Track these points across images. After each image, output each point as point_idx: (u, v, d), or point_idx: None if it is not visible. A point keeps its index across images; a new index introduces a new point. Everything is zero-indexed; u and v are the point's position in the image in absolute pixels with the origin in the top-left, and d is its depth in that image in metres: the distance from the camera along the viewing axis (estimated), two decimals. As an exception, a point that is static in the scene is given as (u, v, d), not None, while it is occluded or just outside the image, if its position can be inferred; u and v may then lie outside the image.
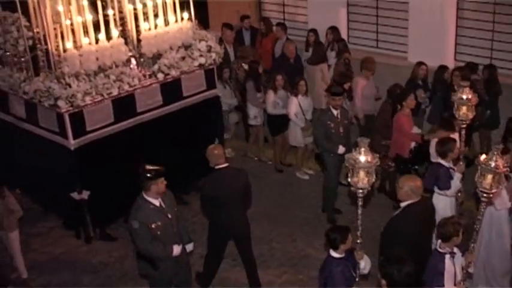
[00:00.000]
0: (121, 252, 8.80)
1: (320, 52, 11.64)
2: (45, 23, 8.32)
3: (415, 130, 9.19)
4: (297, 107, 10.12)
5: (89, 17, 8.41)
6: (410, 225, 6.42)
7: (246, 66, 11.31)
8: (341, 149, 8.86)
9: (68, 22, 8.36)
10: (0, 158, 9.86)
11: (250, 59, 11.48)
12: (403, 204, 6.61)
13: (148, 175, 6.40)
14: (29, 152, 9.31)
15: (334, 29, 12.08)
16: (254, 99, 10.72)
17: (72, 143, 8.31)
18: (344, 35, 12.56)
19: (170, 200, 6.72)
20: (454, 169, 7.59)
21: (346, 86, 10.06)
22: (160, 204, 6.55)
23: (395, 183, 7.53)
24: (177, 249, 6.67)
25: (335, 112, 8.93)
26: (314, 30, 12.18)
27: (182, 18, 9.17)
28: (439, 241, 6.12)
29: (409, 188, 6.55)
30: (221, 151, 7.51)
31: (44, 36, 8.51)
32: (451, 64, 11.14)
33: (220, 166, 7.41)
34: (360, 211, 5.75)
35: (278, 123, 10.55)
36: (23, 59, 8.97)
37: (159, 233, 6.51)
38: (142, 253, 6.68)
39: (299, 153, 10.70)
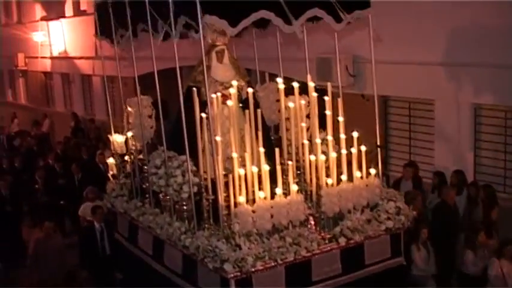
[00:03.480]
0: None
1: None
2: (217, 170, 7.32)
3: None
4: (497, 270, 8.83)
5: (266, 168, 7.34)
6: None
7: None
8: None
9: (242, 171, 7.34)
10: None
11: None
12: None
13: None
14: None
15: (459, 172, 11.46)
16: None
17: (236, 312, 7.06)
18: (470, 178, 11.86)
19: None
20: None
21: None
22: None
23: None
24: None
25: None
26: (439, 173, 11.71)
27: (368, 174, 7.94)
28: None
29: None
30: None
31: (213, 184, 7.53)
32: None
33: None
34: None
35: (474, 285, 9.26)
36: (185, 207, 7.96)
37: None
38: None
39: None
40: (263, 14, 7.13)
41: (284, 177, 7.61)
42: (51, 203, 13.84)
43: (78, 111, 24.54)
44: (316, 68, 13.13)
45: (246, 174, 7.32)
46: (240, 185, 7.28)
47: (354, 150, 7.84)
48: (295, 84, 8.06)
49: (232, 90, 7.92)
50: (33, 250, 11.26)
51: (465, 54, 11.84)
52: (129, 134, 9.50)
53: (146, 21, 7.79)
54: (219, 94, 8.00)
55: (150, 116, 9.11)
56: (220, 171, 7.39)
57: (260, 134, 7.82)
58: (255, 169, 7.31)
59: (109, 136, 10.13)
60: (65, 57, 25.54)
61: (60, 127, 24.88)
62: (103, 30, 9.32)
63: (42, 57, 27.00)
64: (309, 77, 8.29)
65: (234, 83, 8.08)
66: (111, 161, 10.00)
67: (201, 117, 7.72)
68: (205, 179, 7.71)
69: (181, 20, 7.14)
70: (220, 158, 7.43)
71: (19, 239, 12.56)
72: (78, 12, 24.42)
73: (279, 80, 8.28)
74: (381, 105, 13.89)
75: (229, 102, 7.77)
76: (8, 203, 13.71)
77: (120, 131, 10.03)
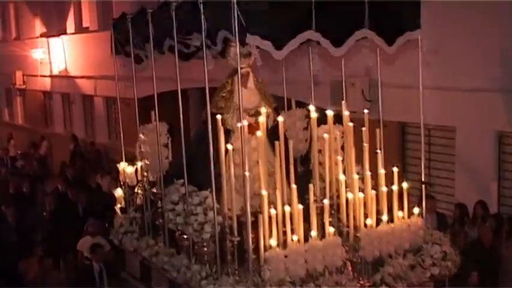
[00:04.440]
0: None
1: None
2: (244, 209, 6.50)
3: None
4: None
5: (299, 207, 6.55)
6: None
7: None
8: None
9: (273, 211, 6.53)
10: None
11: None
12: None
13: None
14: None
15: (483, 203, 11.09)
16: None
17: None
18: (494, 210, 11.49)
19: None
20: None
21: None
22: None
23: None
24: None
25: None
26: (461, 205, 11.26)
27: (411, 214, 7.17)
28: None
29: None
30: None
31: (239, 224, 6.74)
32: None
33: None
34: None
35: None
36: (206, 249, 7.15)
37: None
38: None
39: None
40: (310, 35, 6.40)
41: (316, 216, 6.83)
42: (56, 235, 12.77)
43: (78, 133, 23.76)
44: (331, 91, 12.48)
45: (276, 214, 6.54)
46: (270, 226, 6.49)
47: (394, 187, 7.08)
48: (330, 113, 7.29)
49: (262, 119, 7.14)
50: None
51: (488, 79, 11.53)
52: (139, 164, 8.71)
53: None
54: (245, 123, 7.20)
55: (165, 145, 8.29)
56: (248, 210, 6.59)
57: (292, 168, 7.01)
58: (287, 208, 6.52)
59: (117, 165, 9.29)
60: (65, 76, 24.82)
61: (58, 150, 24.05)
62: (120, 48, 8.58)
63: (41, 76, 26.33)
64: (344, 103, 7.53)
65: (263, 110, 7.32)
66: (119, 193, 9.15)
67: (226, 149, 6.93)
68: (230, 218, 6.90)
69: (222, 34, 6.46)
70: (247, 195, 6.63)
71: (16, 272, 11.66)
72: (80, 29, 23.80)
73: (311, 108, 7.52)
74: (398, 132, 13.32)
75: (259, 133, 6.96)
76: (14, 233, 12.72)
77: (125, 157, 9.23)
